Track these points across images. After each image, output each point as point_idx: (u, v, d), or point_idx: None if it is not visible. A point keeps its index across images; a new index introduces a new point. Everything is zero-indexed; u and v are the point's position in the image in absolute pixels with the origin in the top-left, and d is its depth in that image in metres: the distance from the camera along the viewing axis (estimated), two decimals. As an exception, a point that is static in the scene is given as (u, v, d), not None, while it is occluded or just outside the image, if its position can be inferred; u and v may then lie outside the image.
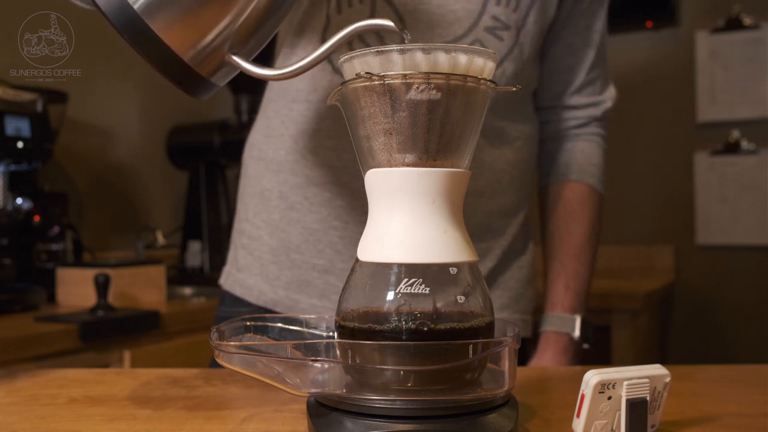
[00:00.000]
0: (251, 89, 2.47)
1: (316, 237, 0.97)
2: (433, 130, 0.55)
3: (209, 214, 2.52)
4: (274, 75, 0.66)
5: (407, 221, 0.56)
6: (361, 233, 0.59)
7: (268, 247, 1.01)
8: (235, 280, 1.05)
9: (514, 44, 0.95)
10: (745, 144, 2.74)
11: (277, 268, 1.00)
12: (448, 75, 0.54)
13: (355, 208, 0.95)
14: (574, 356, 1.04)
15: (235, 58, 0.67)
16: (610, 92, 1.11)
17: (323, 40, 0.93)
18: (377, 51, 0.55)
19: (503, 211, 1.01)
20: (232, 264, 1.07)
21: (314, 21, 0.96)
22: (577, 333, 1.02)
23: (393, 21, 0.91)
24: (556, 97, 1.09)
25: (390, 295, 0.55)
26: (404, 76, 0.54)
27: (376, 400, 0.53)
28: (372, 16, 0.92)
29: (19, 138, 1.76)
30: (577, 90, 1.08)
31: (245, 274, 1.03)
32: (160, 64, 0.68)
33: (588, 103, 1.09)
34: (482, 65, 0.56)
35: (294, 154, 0.99)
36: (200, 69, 0.67)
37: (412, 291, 0.55)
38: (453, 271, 0.56)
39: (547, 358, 1.02)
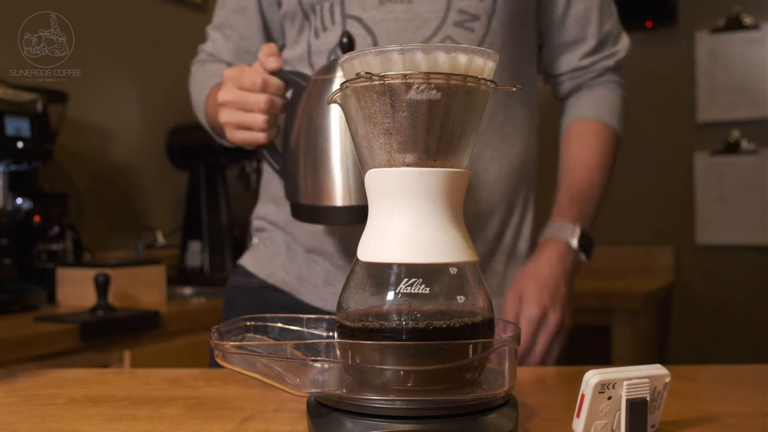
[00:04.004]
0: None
1: (318, 238, 1.02)
2: (433, 130, 0.55)
3: (209, 214, 2.51)
4: None
5: (407, 221, 0.56)
6: (361, 232, 0.59)
7: (282, 241, 1.08)
8: (248, 258, 1.13)
9: (486, 32, 0.97)
10: (745, 144, 2.74)
11: (289, 258, 1.06)
12: (448, 75, 0.54)
13: None
14: (572, 266, 1.00)
15: None
16: (623, 43, 1.12)
17: (311, 65, 1.00)
18: (377, 51, 0.54)
19: (482, 212, 1.00)
20: (250, 249, 1.15)
21: (299, 48, 1.02)
22: (575, 241, 0.99)
23: (362, 34, 0.95)
24: (571, 62, 1.10)
25: (390, 295, 0.55)
26: (404, 76, 0.53)
27: (376, 400, 0.53)
28: (344, 34, 0.95)
29: (19, 138, 1.75)
30: (590, 53, 1.09)
31: (258, 254, 1.11)
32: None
33: (602, 58, 1.10)
34: (482, 65, 0.56)
35: None
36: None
37: (412, 291, 0.55)
38: (453, 271, 0.56)
39: (541, 261, 0.98)
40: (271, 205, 1.10)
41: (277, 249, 1.08)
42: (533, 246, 1.05)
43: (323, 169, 0.86)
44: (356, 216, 0.86)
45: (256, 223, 1.15)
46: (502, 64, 0.99)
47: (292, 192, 0.91)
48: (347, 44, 0.88)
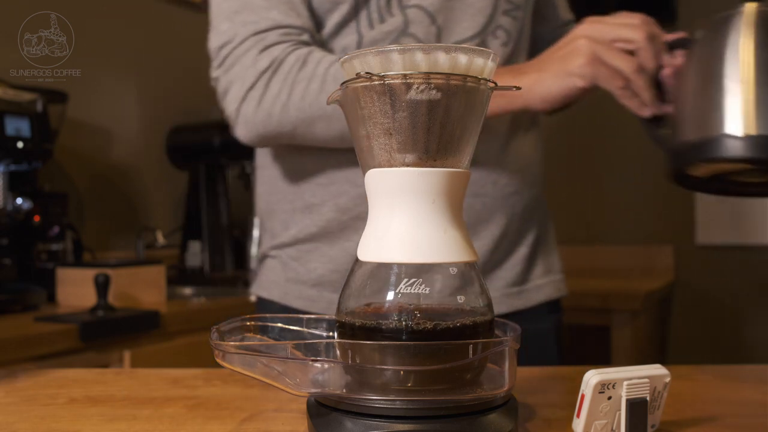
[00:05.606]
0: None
1: None
2: (433, 130, 0.55)
3: (209, 214, 2.52)
4: None
5: (407, 221, 0.56)
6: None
7: (327, 258, 0.99)
8: (286, 292, 1.02)
9: (524, 20, 1.05)
10: (745, 144, 2.73)
11: (341, 276, 0.97)
12: (448, 75, 0.54)
13: None
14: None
15: None
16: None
17: None
18: (377, 51, 0.54)
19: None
20: (278, 276, 1.04)
21: (344, 40, 0.97)
22: None
23: (426, 22, 0.96)
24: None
25: (390, 295, 0.55)
26: (404, 76, 0.53)
27: (376, 400, 0.53)
28: (406, 23, 0.97)
29: (19, 138, 1.75)
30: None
31: (302, 285, 1.01)
32: None
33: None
34: (482, 65, 0.56)
35: (349, 164, 0.97)
36: None
37: (412, 291, 0.55)
38: (453, 271, 0.56)
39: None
40: (303, 216, 1.00)
41: (324, 267, 0.99)
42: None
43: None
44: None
45: (278, 242, 1.03)
46: (529, 55, 1.07)
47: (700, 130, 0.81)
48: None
